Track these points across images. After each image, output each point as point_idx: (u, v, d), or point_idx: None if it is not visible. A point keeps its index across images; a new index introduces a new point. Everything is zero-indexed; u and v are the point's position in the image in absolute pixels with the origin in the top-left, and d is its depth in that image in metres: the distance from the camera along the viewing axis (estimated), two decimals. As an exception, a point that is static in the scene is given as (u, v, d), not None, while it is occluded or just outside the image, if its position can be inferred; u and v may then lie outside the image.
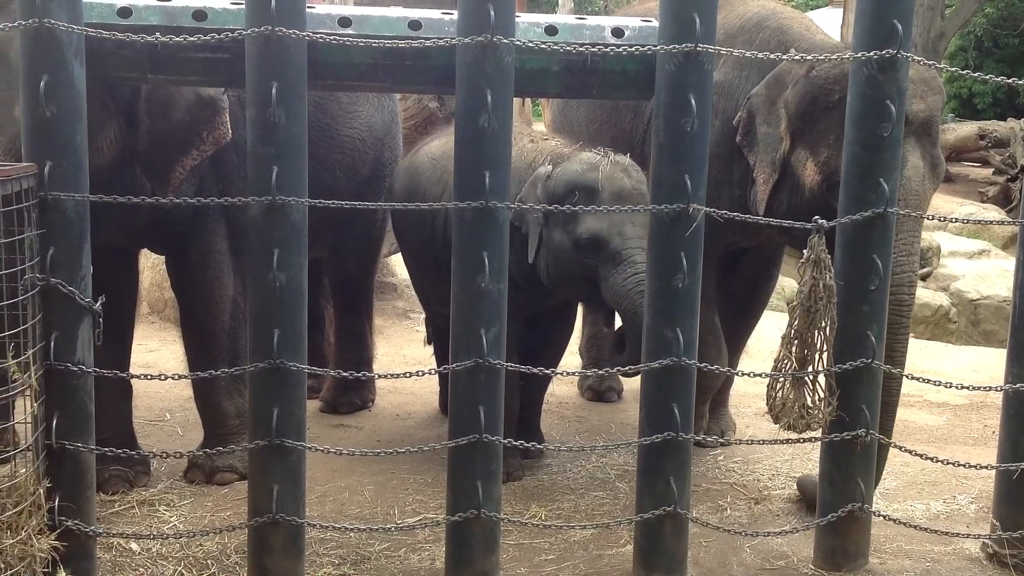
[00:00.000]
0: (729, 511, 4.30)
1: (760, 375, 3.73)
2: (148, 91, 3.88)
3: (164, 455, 3.73)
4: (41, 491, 3.18)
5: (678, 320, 3.54)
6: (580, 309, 5.02)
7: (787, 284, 8.09)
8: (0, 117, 3.55)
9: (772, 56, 3.70)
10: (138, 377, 3.59)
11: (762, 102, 4.27)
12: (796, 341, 3.56)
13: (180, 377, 3.62)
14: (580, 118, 5.41)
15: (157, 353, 6.24)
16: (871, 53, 3.47)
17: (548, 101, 6.29)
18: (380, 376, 3.77)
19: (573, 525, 4.03)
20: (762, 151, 4.25)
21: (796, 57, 3.73)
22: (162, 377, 3.57)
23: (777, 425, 3.67)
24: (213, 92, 4.00)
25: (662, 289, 3.55)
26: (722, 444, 4.90)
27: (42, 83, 3.16)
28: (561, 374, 3.96)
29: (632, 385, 5.71)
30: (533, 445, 4.43)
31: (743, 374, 3.86)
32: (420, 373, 3.70)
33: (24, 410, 3.24)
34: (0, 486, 3.12)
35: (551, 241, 4.29)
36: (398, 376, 3.70)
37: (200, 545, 3.80)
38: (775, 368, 3.60)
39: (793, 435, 3.65)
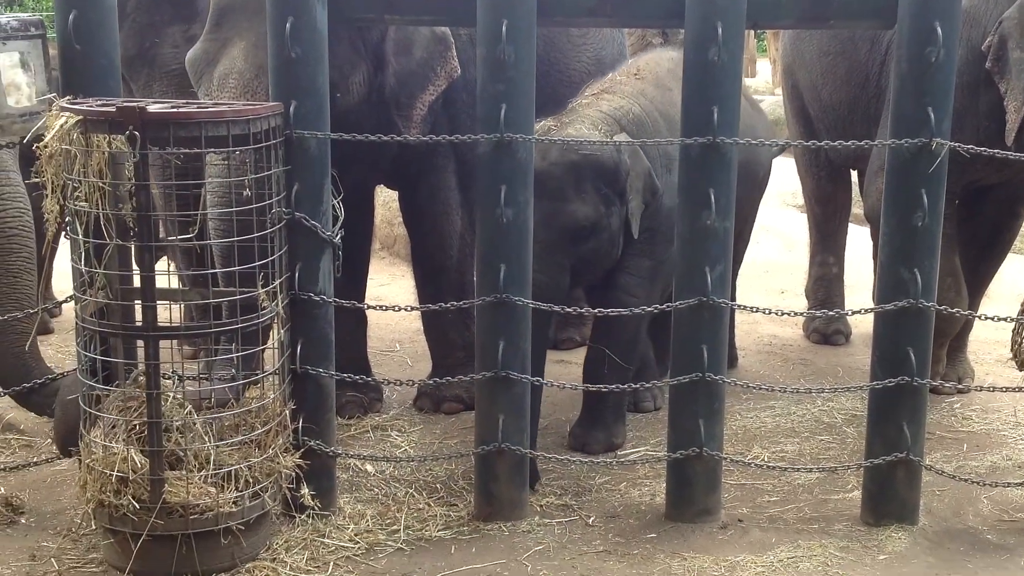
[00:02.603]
0: (965, 460, 4.11)
1: (1003, 319, 3.53)
2: (392, 32, 4.02)
3: (397, 383, 3.89)
4: (287, 413, 3.38)
5: (916, 260, 3.39)
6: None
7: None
8: (262, 59, 3.73)
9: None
10: (372, 308, 3.76)
11: (1015, 26, 4.00)
12: (1047, 284, 3.34)
13: (411, 309, 3.76)
14: (811, 51, 5.21)
15: (388, 287, 6.49)
16: None
17: (776, 34, 6.09)
18: (599, 312, 3.78)
19: (798, 468, 3.96)
20: (1015, 78, 3.99)
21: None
22: (396, 308, 3.72)
23: (1022, 372, 3.46)
24: (442, 28, 4.10)
25: (900, 227, 3.41)
26: (959, 391, 4.68)
27: (287, 25, 3.31)
28: (790, 314, 3.86)
29: (861, 328, 5.51)
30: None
31: (984, 318, 3.65)
32: (643, 310, 3.69)
33: (272, 337, 3.45)
34: (250, 407, 3.34)
35: None
36: (618, 312, 3.70)
37: (429, 470, 3.96)
38: (1021, 312, 3.40)
39: (1039, 384, 3.44)
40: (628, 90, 4.22)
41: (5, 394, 3.55)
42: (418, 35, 4.08)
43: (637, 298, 3.98)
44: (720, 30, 3.30)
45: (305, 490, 3.42)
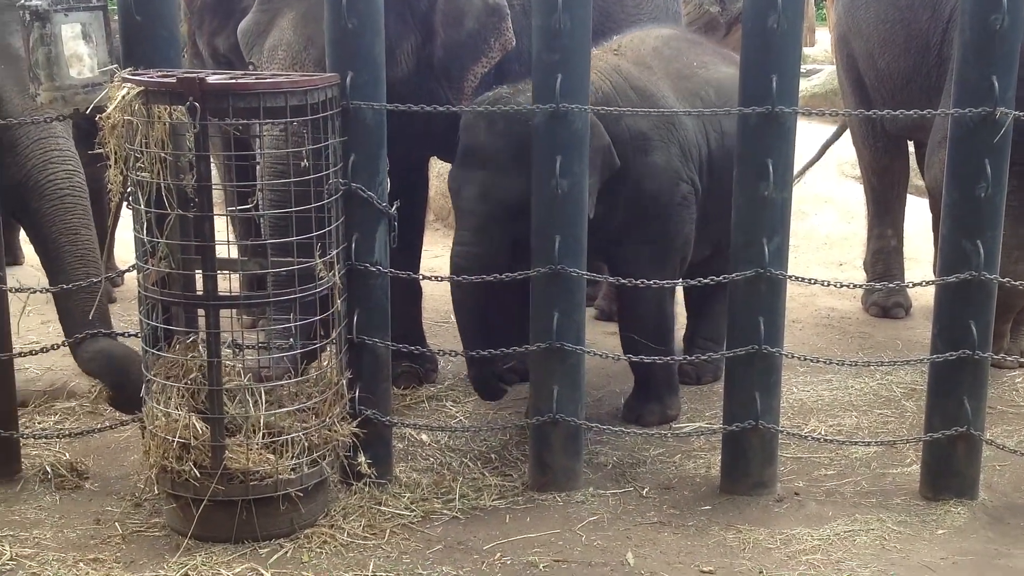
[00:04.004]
0: (1027, 436, 4.06)
1: (1070, 293, 3.46)
2: (442, 2, 4.01)
3: (452, 353, 3.91)
4: (343, 382, 3.42)
5: (979, 231, 3.34)
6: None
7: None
8: (312, 30, 3.77)
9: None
10: (427, 279, 3.78)
11: None
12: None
13: (466, 280, 3.75)
14: (869, 19, 5.12)
15: (442, 259, 6.49)
16: None
17: (833, 2, 5.98)
18: (654, 284, 3.74)
19: (856, 441, 3.93)
20: None
21: None
22: (451, 279, 3.73)
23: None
24: None
25: (963, 199, 3.35)
26: (1022, 365, 4.60)
27: (344, -4, 3.32)
28: (849, 286, 3.81)
29: (921, 302, 5.44)
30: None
31: (1050, 291, 3.58)
32: (699, 281, 3.66)
33: (329, 307, 3.48)
34: (308, 376, 3.38)
35: None
36: (675, 284, 3.68)
37: (484, 440, 3.98)
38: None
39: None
40: (601, 66, 3.96)
41: (66, 344, 3.62)
42: (470, 6, 4.05)
43: (643, 288, 3.67)
44: (780, -3, 3.26)
45: (362, 458, 3.46)
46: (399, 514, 3.43)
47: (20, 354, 3.69)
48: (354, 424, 3.43)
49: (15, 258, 5.66)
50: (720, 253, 4.31)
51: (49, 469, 3.67)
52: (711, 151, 4.12)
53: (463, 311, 3.83)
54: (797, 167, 3.99)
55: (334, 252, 3.34)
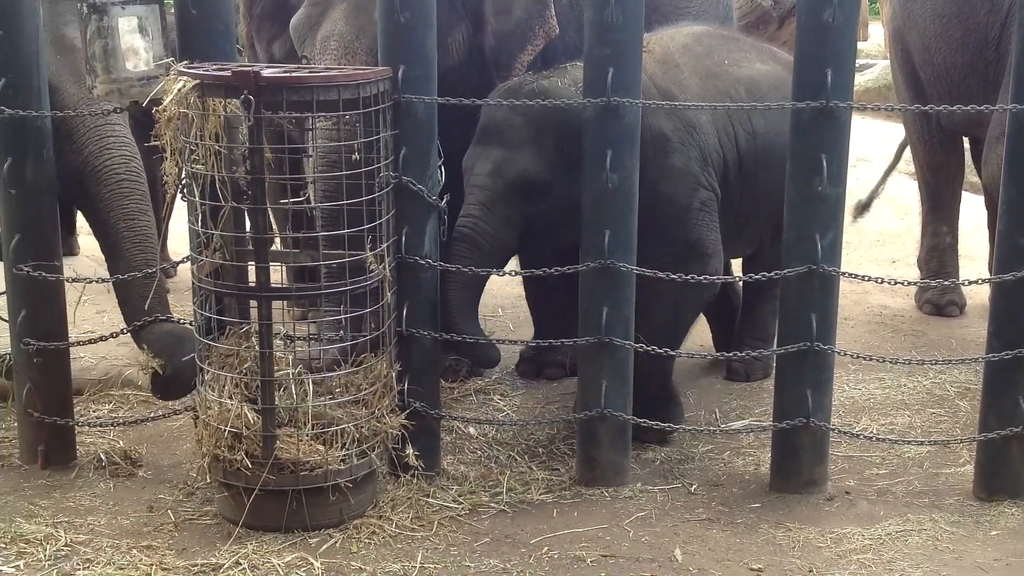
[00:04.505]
0: (1085, 438, 3.98)
1: None
2: None
3: (504, 342, 3.92)
4: (392, 374, 3.44)
5: (1036, 228, 3.28)
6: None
7: None
8: (363, 20, 3.79)
9: None
10: (476, 272, 3.76)
11: None
12: None
13: (515, 274, 3.77)
14: (925, 13, 5.04)
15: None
16: None
17: (891, -5, 5.90)
18: (705, 279, 3.72)
19: (909, 440, 3.88)
20: None
21: None
22: (500, 273, 3.74)
23: None
24: None
25: (1020, 195, 3.32)
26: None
27: (397, -11, 3.33)
28: (903, 283, 3.75)
29: (976, 300, 5.36)
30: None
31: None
32: (750, 277, 3.64)
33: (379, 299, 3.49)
34: (357, 368, 3.40)
35: None
36: (730, 280, 3.66)
37: (532, 434, 3.98)
38: None
39: None
40: None
41: (128, 331, 3.67)
42: None
43: (662, 290, 3.62)
44: (835, -10, 3.22)
45: (410, 450, 3.47)
46: (447, 506, 3.45)
47: (76, 343, 3.75)
48: (403, 416, 3.45)
49: (70, 249, 5.75)
50: (762, 251, 4.28)
51: (103, 456, 3.72)
52: (740, 153, 4.01)
53: (454, 288, 3.63)
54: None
55: (384, 245, 3.35)
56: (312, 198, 4.06)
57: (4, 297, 3.69)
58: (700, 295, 3.88)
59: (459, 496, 3.51)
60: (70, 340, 3.72)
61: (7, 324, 3.68)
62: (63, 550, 3.18)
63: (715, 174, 3.92)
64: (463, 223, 3.64)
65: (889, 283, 3.62)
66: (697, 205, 3.84)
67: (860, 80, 9.34)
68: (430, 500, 3.47)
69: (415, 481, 3.53)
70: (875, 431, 4.00)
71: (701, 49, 4.14)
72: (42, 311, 3.62)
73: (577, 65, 3.68)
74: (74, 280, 3.65)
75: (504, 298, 5.61)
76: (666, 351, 3.62)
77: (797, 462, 3.55)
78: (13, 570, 3.08)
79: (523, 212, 3.66)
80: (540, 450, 3.87)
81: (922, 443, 3.86)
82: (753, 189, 4.04)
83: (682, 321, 3.97)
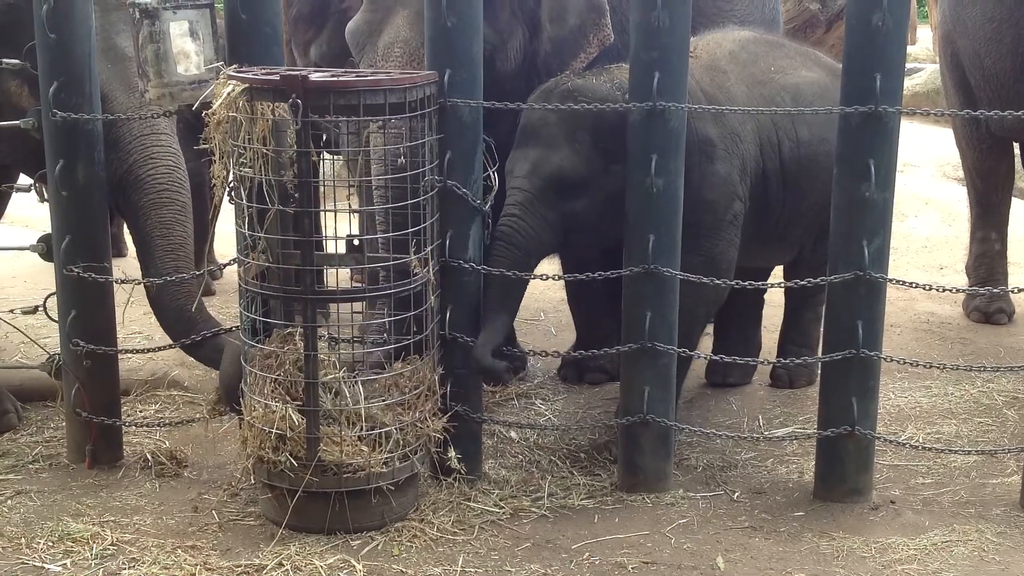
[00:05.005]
0: None
1: None
2: None
3: (543, 353, 3.92)
4: (435, 378, 3.44)
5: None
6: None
7: None
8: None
9: None
10: (519, 277, 3.76)
11: None
12: None
13: (557, 278, 3.76)
14: (975, 17, 4.98)
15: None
16: None
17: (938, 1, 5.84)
18: (747, 285, 3.69)
19: (955, 449, 3.83)
20: None
21: None
22: (542, 277, 3.73)
23: None
24: None
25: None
26: None
27: (444, -6, 3.34)
28: (951, 291, 3.69)
29: (1025, 308, 5.29)
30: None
31: None
32: (795, 283, 3.61)
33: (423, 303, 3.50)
34: (402, 371, 3.42)
35: None
36: (772, 286, 3.64)
37: (573, 439, 3.98)
38: None
39: None
40: None
41: (174, 346, 3.72)
42: (573, 2, 4.06)
43: (690, 297, 3.61)
44: (885, -7, 3.19)
45: (452, 454, 3.47)
46: (488, 511, 3.45)
47: (126, 351, 3.78)
48: (445, 419, 3.45)
49: (119, 250, 5.82)
50: (803, 258, 4.26)
51: (150, 456, 3.76)
52: (783, 162, 3.98)
53: (490, 288, 3.57)
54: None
55: (428, 248, 3.36)
56: (356, 202, 4.09)
57: (54, 298, 3.74)
58: (715, 302, 3.92)
59: (500, 500, 3.51)
60: (118, 341, 3.76)
61: (56, 324, 3.74)
62: (109, 549, 3.22)
63: (747, 187, 3.90)
64: (502, 223, 3.65)
65: (937, 290, 3.59)
66: (730, 218, 3.83)
67: (908, 84, 9.24)
68: (471, 504, 3.47)
69: (456, 485, 3.54)
70: (921, 440, 3.95)
71: (747, 56, 4.12)
72: (91, 312, 3.68)
73: (622, 67, 3.68)
74: (123, 282, 3.69)
75: (547, 302, 5.60)
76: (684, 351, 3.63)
77: (842, 470, 3.51)
78: (60, 568, 3.12)
79: (562, 211, 3.66)
80: (582, 455, 3.86)
81: (969, 452, 3.81)
82: (795, 197, 4.02)
83: (692, 332, 3.89)
